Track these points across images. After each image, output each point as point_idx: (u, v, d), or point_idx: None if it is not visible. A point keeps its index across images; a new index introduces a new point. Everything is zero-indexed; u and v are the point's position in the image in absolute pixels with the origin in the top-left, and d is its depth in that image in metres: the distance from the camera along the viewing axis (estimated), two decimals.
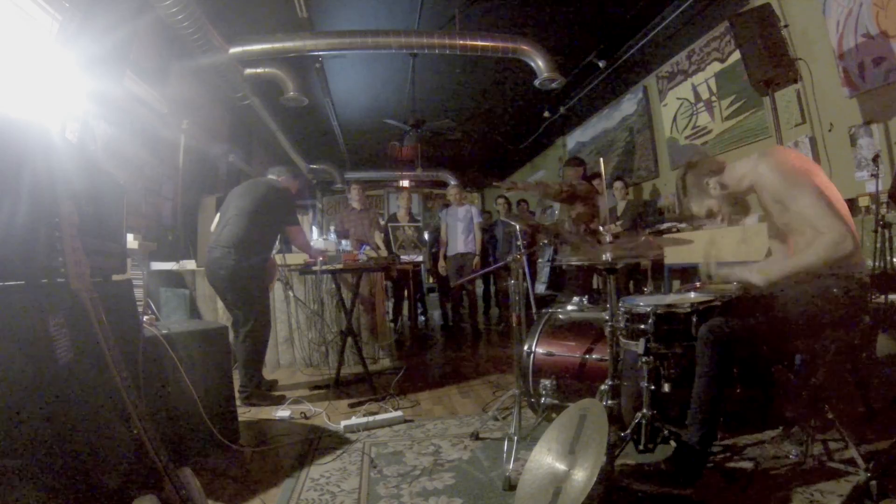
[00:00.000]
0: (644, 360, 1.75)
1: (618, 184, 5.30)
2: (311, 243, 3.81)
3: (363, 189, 5.46)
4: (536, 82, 5.12)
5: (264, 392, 3.12)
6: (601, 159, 2.66)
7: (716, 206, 1.83)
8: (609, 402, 1.71)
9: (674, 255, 4.33)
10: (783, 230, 1.78)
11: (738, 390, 2.04)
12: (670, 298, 1.94)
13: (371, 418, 2.52)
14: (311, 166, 9.83)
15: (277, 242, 4.15)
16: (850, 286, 1.60)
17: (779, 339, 1.67)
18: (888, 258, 2.63)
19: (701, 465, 1.60)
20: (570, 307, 2.52)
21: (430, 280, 7.26)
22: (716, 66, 4.75)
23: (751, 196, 1.83)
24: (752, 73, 3.24)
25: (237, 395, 3.04)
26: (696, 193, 1.83)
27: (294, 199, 3.29)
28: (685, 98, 5.27)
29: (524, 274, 2.44)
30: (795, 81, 3.38)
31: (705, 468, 1.66)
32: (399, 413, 2.60)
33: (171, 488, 1.20)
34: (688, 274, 4.61)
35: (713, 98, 4.83)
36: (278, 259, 3.94)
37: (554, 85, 5.16)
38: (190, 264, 4.19)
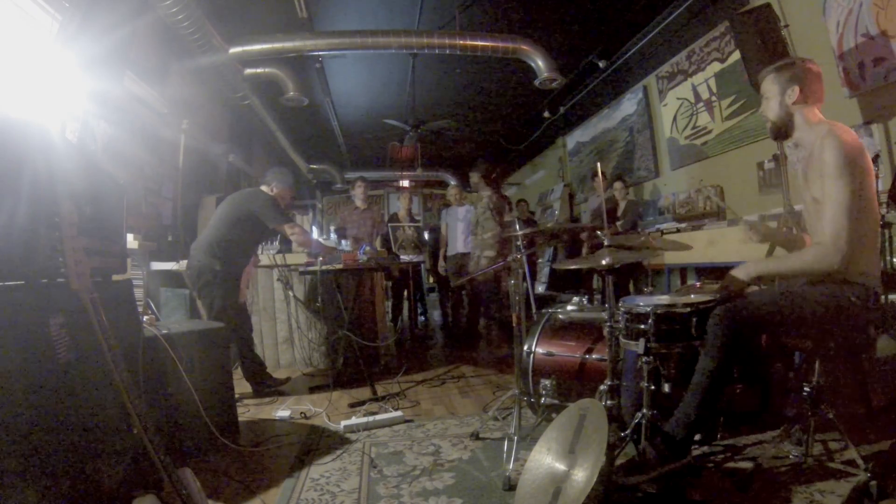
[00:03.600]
0: (644, 360, 1.75)
1: (618, 184, 5.30)
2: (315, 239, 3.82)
3: (368, 187, 5.31)
4: (536, 82, 5.12)
5: (271, 382, 3.32)
6: (598, 164, 2.65)
7: (771, 104, 1.77)
8: (609, 402, 1.71)
9: (674, 256, 4.33)
10: (810, 210, 1.77)
11: (739, 390, 2.04)
12: (670, 298, 1.94)
13: (371, 418, 2.52)
14: (311, 166, 9.83)
15: (277, 242, 4.15)
16: (867, 296, 1.60)
17: (786, 334, 1.67)
18: (888, 258, 2.63)
19: (691, 439, 1.60)
20: (570, 307, 2.52)
21: (430, 280, 7.26)
22: (716, 66, 4.75)
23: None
24: (752, 73, 3.23)
25: (250, 385, 3.26)
26: (774, 82, 1.77)
27: (275, 202, 3.21)
28: (685, 98, 5.27)
29: (524, 274, 2.44)
30: None
31: (705, 468, 1.67)
32: (399, 413, 2.60)
33: (171, 488, 1.20)
34: (688, 274, 4.62)
35: (713, 98, 4.83)
36: (278, 259, 3.94)
37: (554, 85, 5.16)
38: None
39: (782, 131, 1.80)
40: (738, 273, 1.70)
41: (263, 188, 3.32)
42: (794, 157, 1.87)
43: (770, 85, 1.79)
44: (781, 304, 1.64)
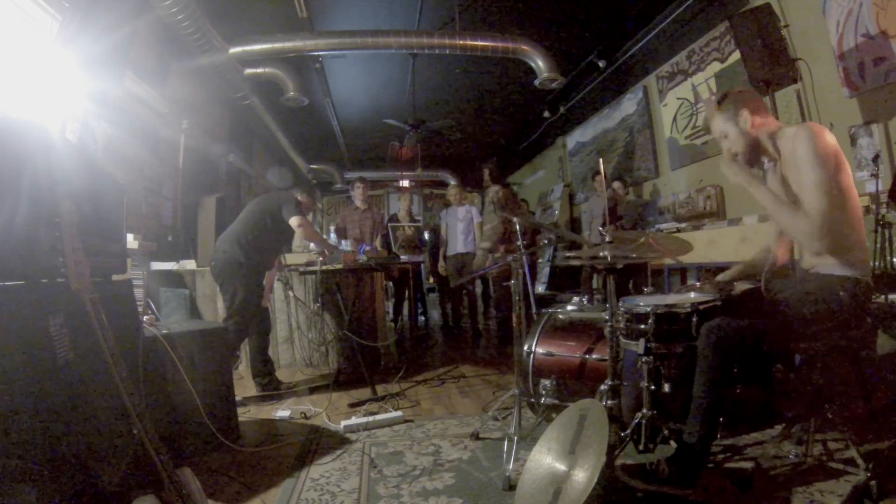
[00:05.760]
0: (644, 360, 1.75)
1: (617, 183, 5.30)
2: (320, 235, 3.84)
3: (367, 187, 5.26)
4: (536, 82, 5.12)
5: (277, 384, 3.32)
6: (601, 161, 2.65)
7: (733, 138, 1.80)
8: (609, 402, 1.71)
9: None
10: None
11: (738, 390, 2.03)
12: (670, 298, 1.94)
13: (371, 418, 2.52)
14: (311, 166, 9.83)
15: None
16: (857, 290, 1.60)
17: (781, 339, 1.67)
18: (888, 258, 2.63)
19: (700, 464, 1.60)
20: (570, 307, 2.52)
21: (430, 280, 7.26)
22: (716, 66, 4.75)
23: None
24: (752, 73, 3.23)
25: (255, 383, 3.26)
26: (726, 116, 1.79)
27: (297, 200, 3.29)
28: (685, 98, 5.27)
29: (524, 274, 2.44)
30: (795, 81, 3.38)
31: (705, 468, 1.66)
32: (399, 413, 2.60)
33: (171, 488, 1.20)
34: (688, 274, 4.62)
35: (713, 98, 4.83)
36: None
37: (554, 85, 5.16)
38: (190, 264, 4.20)
39: (756, 156, 1.81)
40: (729, 170, 1.75)
41: (297, 194, 3.41)
42: (769, 175, 1.88)
43: (721, 124, 1.81)
44: (769, 314, 1.64)
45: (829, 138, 1.62)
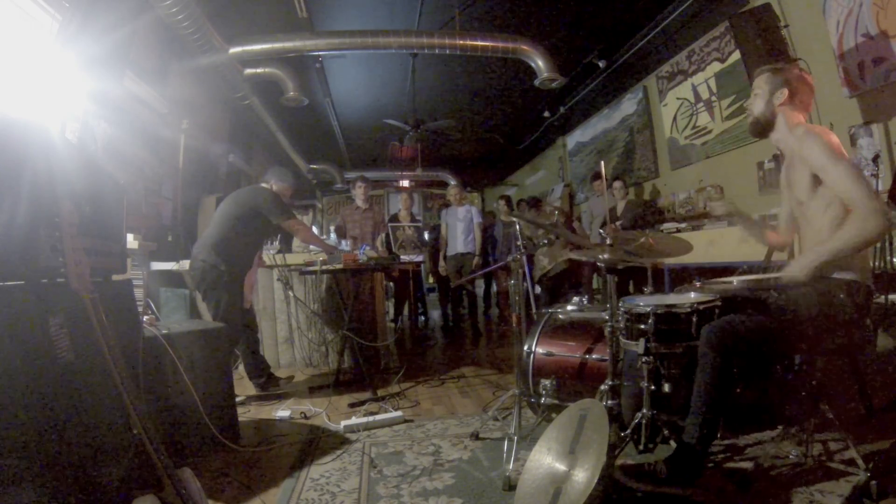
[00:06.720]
0: (644, 360, 1.75)
1: (617, 184, 5.30)
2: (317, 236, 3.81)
3: (369, 186, 5.20)
4: (536, 82, 5.12)
5: (275, 381, 3.32)
6: (602, 164, 2.66)
7: (759, 99, 1.79)
8: (609, 402, 1.71)
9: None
10: (797, 215, 1.77)
11: (738, 390, 2.03)
12: (670, 298, 1.94)
13: (371, 418, 2.52)
14: (311, 166, 9.83)
15: (277, 242, 4.15)
16: (857, 293, 1.60)
17: (781, 340, 1.67)
18: (888, 258, 2.63)
19: (700, 464, 1.60)
20: (570, 307, 2.52)
21: (430, 280, 7.26)
22: (716, 66, 4.75)
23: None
24: (752, 73, 3.23)
25: (253, 384, 3.24)
26: (767, 81, 1.79)
27: (278, 198, 3.21)
28: (685, 98, 5.27)
29: (524, 274, 2.44)
30: None
31: (705, 468, 1.66)
32: (399, 413, 2.60)
33: (171, 488, 1.20)
34: (687, 274, 4.61)
35: (713, 98, 4.83)
36: (278, 259, 3.95)
37: (554, 85, 5.16)
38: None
39: (763, 129, 1.82)
40: (796, 272, 1.61)
41: (263, 185, 3.33)
42: (782, 172, 1.88)
43: (762, 83, 1.81)
44: (770, 316, 1.64)
45: (835, 138, 1.63)
